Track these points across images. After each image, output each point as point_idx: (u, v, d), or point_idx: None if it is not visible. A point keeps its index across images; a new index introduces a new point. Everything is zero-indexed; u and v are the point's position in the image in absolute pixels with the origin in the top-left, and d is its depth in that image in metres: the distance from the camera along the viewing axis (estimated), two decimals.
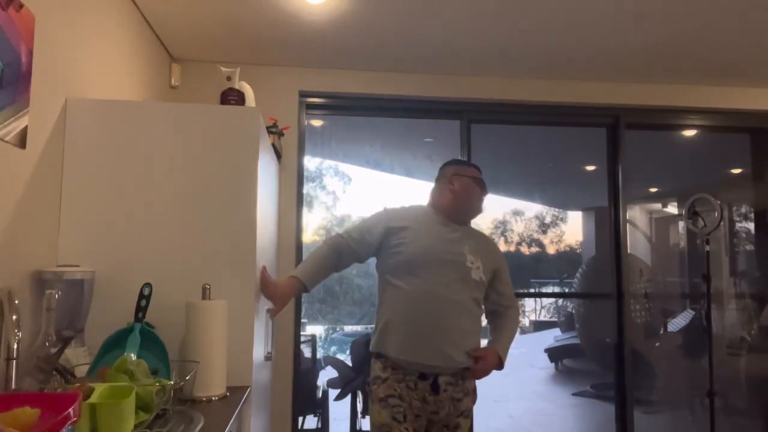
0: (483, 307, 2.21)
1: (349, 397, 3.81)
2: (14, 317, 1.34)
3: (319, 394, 3.83)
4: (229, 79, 2.06)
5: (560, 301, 6.42)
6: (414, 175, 5.54)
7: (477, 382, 2.18)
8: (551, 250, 5.74)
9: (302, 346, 3.32)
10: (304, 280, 2.06)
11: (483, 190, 2.25)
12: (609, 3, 2.47)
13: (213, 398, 1.65)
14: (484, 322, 2.25)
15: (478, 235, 2.27)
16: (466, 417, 2.10)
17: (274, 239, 2.72)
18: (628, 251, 3.50)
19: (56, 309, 1.49)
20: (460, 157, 3.44)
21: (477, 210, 2.24)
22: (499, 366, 2.15)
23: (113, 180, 1.83)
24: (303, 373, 3.38)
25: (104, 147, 1.84)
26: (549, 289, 5.94)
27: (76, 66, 1.91)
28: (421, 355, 2.01)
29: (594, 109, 3.51)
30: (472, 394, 2.15)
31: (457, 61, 3.16)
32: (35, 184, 1.65)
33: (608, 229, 3.57)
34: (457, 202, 2.18)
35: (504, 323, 2.25)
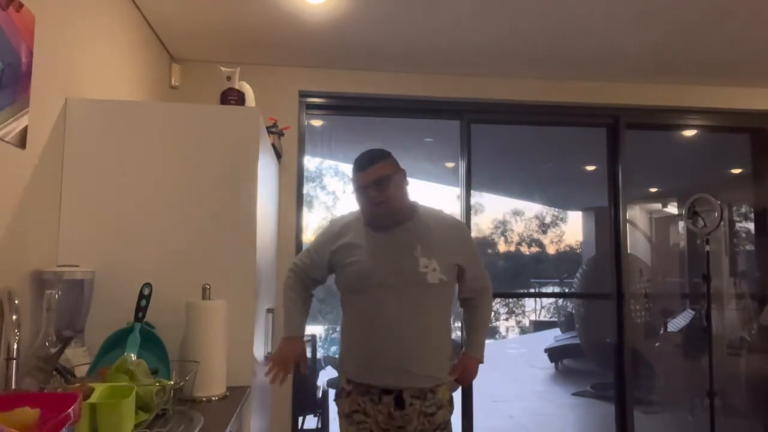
0: (451, 303, 1.99)
1: None
2: (14, 317, 1.34)
3: (319, 394, 3.83)
4: (229, 79, 2.06)
5: (560, 301, 6.42)
6: (414, 175, 5.54)
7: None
8: (551, 250, 5.74)
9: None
10: (301, 335, 2.00)
11: (361, 194, 1.89)
12: (609, 3, 2.47)
13: (213, 398, 1.65)
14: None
15: (431, 223, 1.95)
16: (443, 430, 1.93)
17: (274, 239, 2.72)
18: (628, 251, 3.50)
19: (56, 309, 1.49)
20: (460, 159, 3.44)
21: (376, 216, 1.91)
22: (479, 364, 2.06)
23: (113, 180, 1.83)
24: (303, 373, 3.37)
25: (104, 147, 1.84)
26: (549, 289, 5.94)
27: (76, 66, 1.91)
28: (380, 378, 1.87)
29: (594, 109, 3.51)
30: (448, 406, 1.96)
31: (457, 61, 3.16)
32: (35, 184, 1.65)
33: (608, 229, 3.57)
34: (363, 213, 1.96)
35: (475, 315, 2.08)
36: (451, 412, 1.98)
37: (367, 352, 1.88)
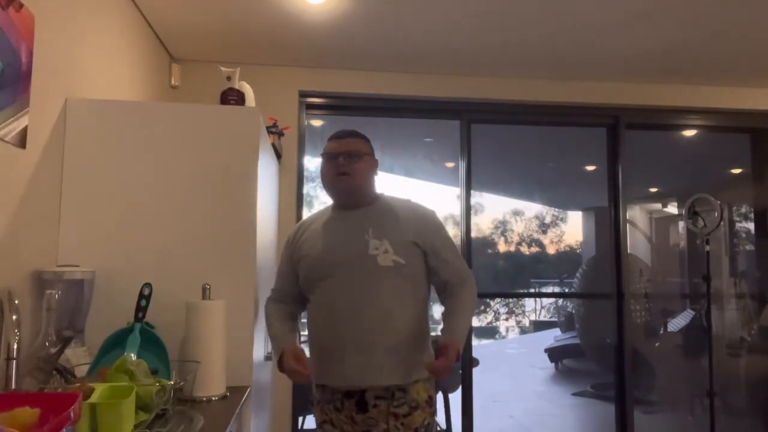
0: (422, 292, 1.82)
1: None
2: (14, 317, 1.34)
3: None
4: (229, 79, 2.06)
5: (560, 301, 6.42)
6: (414, 175, 5.55)
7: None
8: (551, 250, 5.75)
9: (302, 346, 3.32)
10: (294, 344, 1.84)
11: (330, 160, 1.82)
12: (609, 3, 2.47)
13: (213, 398, 1.65)
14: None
15: (392, 208, 1.85)
16: None
17: (274, 239, 2.72)
18: (628, 251, 3.50)
19: (56, 309, 1.49)
20: (460, 159, 3.44)
21: (336, 189, 1.83)
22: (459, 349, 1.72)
23: (113, 180, 1.83)
24: None
25: (104, 147, 1.84)
26: (549, 289, 5.95)
27: (76, 66, 1.91)
28: (338, 376, 1.73)
29: (594, 109, 3.51)
30: (426, 407, 1.75)
31: (457, 61, 3.16)
32: (35, 184, 1.65)
33: (608, 229, 3.57)
34: (326, 191, 1.88)
35: (451, 303, 1.81)
36: (432, 413, 1.78)
37: (323, 348, 1.77)
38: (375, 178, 1.90)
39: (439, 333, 1.78)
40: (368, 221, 1.80)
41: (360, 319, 1.71)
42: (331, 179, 1.83)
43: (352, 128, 1.92)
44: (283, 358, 1.77)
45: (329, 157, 1.84)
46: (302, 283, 1.85)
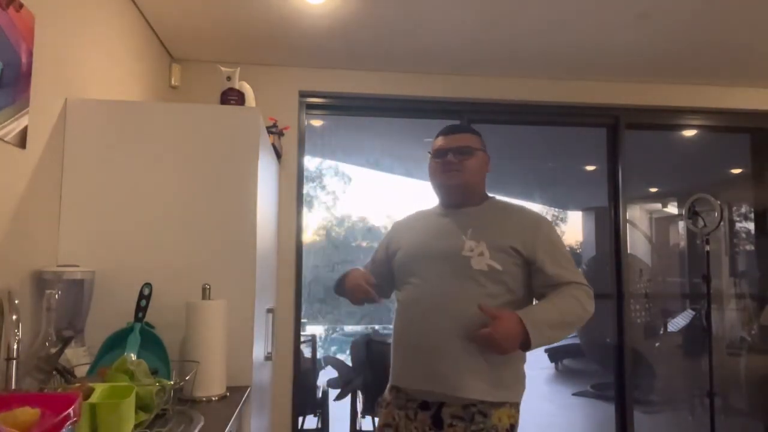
0: (518, 303, 1.64)
1: (349, 397, 3.81)
2: (14, 317, 1.34)
3: (319, 394, 3.83)
4: (229, 79, 2.06)
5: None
6: (414, 175, 5.54)
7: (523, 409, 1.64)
8: None
9: (302, 346, 3.32)
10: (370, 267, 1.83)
11: (439, 157, 1.73)
12: (609, 3, 2.47)
13: (213, 398, 1.65)
14: None
15: (500, 210, 1.75)
16: None
17: (274, 239, 2.72)
18: (628, 251, 3.50)
19: (56, 309, 1.49)
20: None
21: (445, 186, 1.75)
22: (523, 343, 1.50)
23: (113, 180, 1.83)
24: (303, 373, 3.38)
25: (104, 147, 1.83)
26: None
27: (76, 66, 1.91)
28: (417, 381, 1.63)
29: (594, 109, 3.50)
30: None
31: (457, 61, 3.16)
32: (35, 184, 1.65)
33: (608, 229, 3.57)
34: (433, 189, 1.82)
35: (555, 295, 1.60)
36: None
37: (405, 348, 1.67)
38: (485, 175, 1.80)
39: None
40: (470, 221, 1.69)
41: (446, 323, 1.59)
42: (440, 176, 1.74)
43: (461, 123, 1.83)
44: (349, 275, 1.74)
45: (438, 154, 1.75)
46: (395, 278, 1.78)
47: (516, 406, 1.63)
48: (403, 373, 1.68)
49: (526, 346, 1.51)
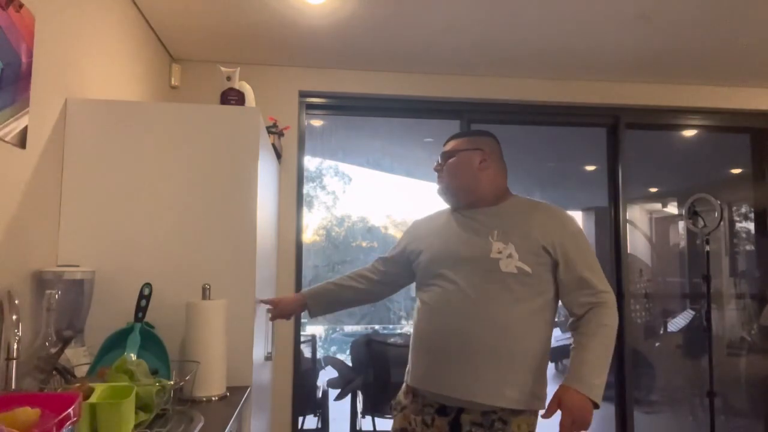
0: (547, 308, 1.62)
1: (349, 397, 3.82)
2: (14, 317, 1.34)
3: (319, 394, 3.84)
4: (229, 79, 2.06)
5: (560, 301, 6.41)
6: (414, 175, 5.55)
7: None
8: None
9: (302, 346, 3.33)
10: (305, 294, 1.97)
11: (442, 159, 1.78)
12: (609, 3, 2.47)
13: (213, 398, 1.65)
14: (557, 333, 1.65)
15: (522, 209, 1.71)
16: None
17: (274, 239, 2.72)
18: (628, 251, 3.50)
19: (56, 309, 1.48)
20: None
21: (440, 192, 1.79)
22: (591, 405, 1.45)
23: (113, 180, 1.83)
24: (303, 373, 3.38)
25: (104, 147, 1.83)
26: None
27: (76, 66, 1.91)
28: (437, 384, 1.59)
29: (594, 109, 3.50)
30: None
31: (457, 61, 3.16)
32: (35, 184, 1.65)
33: (608, 229, 3.57)
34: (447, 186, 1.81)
35: (582, 337, 1.54)
36: None
37: (427, 350, 1.63)
38: (484, 173, 1.73)
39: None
40: (493, 222, 1.65)
41: (472, 326, 1.55)
42: (437, 181, 1.81)
43: (463, 130, 1.90)
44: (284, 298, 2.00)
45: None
46: (417, 280, 1.78)
47: (535, 413, 1.60)
48: (425, 376, 1.63)
49: (597, 404, 1.47)
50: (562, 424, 1.44)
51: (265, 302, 2.02)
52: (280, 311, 1.99)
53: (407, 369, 1.74)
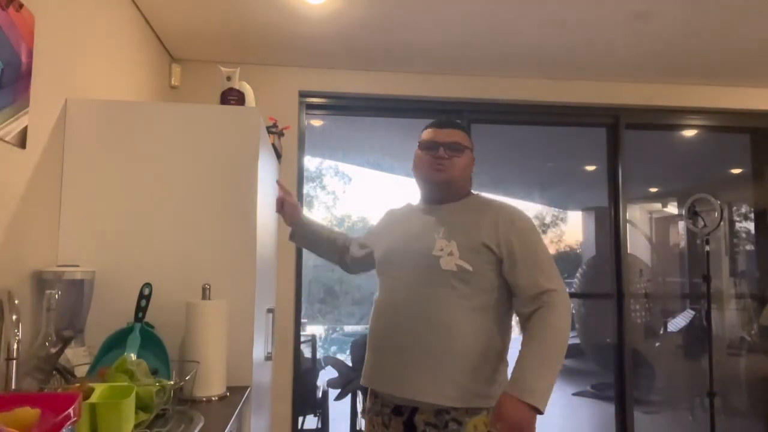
0: (493, 305, 1.58)
1: (349, 397, 3.81)
2: (14, 317, 1.34)
3: (319, 394, 3.83)
4: (229, 79, 2.06)
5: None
6: (413, 175, 5.55)
7: None
8: (551, 249, 5.73)
9: (302, 346, 3.33)
10: (303, 216, 1.99)
11: (429, 150, 1.67)
12: (609, 3, 2.47)
13: (213, 398, 1.65)
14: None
15: (476, 207, 1.66)
16: None
17: (274, 239, 2.72)
18: (628, 251, 3.50)
19: (56, 309, 1.48)
20: None
21: (430, 180, 1.68)
22: (530, 411, 1.39)
23: (113, 180, 1.83)
24: (303, 373, 3.38)
25: (104, 147, 1.84)
26: None
27: (76, 66, 1.91)
28: (385, 384, 1.58)
29: (594, 109, 3.50)
30: None
31: (457, 61, 3.16)
32: (35, 184, 1.65)
33: (608, 229, 3.57)
34: (416, 181, 1.77)
35: (527, 340, 1.49)
36: None
37: (377, 349, 1.64)
38: (470, 174, 1.75)
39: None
40: (444, 219, 1.63)
41: (412, 324, 1.54)
42: (426, 170, 1.67)
43: (450, 117, 1.81)
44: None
45: (428, 146, 1.68)
46: (376, 274, 1.77)
47: (484, 416, 1.53)
48: (373, 375, 1.64)
49: (539, 409, 1.40)
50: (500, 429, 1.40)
51: (282, 187, 2.03)
52: (288, 206, 1.99)
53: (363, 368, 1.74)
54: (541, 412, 1.40)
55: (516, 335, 1.63)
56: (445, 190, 1.68)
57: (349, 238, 1.96)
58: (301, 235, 1.98)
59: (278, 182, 2.05)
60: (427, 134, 1.73)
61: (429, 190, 1.72)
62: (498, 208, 1.64)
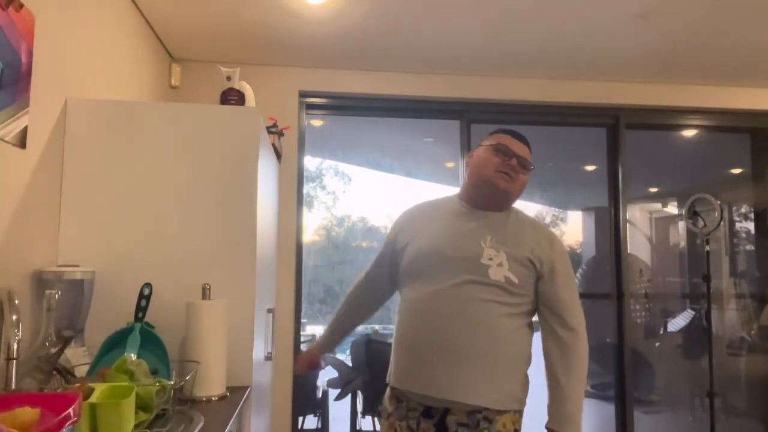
0: (528, 317, 1.65)
1: (349, 397, 3.81)
2: (14, 317, 1.34)
3: (319, 394, 3.83)
4: (229, 79, 2.06)
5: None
6: (414, 175, 5.55)
7: None
8: None
9: (302, 346, 3.32)
10: (319, 349, 1.96)
11: (504, 155, 1.66)
12: (609, 3, 2.47)
13: (213, 398, 1.65)
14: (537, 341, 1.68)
15: (517, 220, 1.70)
16: None
17: (274, 239, 2.72)
18: (628, 251, 3.50)
19: (56, 309, 1.48)
20: (460, 159, 3.43)
21: (492, 185, 1.66)
22: None
23: (113, 180, 1.83)
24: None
25: (104, 147, 1.83)
26: None
27: (76, 66, 1.91)
28: (422, 384, 1.58)
29: (594, 109, 3.50)
30: None
31: (457, 61, 3.16)
32: (35, 184, 1.65)
33: (608, 229, 3.57)
34: (470, 181, 1.73)
35: (560, 371, 1.58)
36: None
37: (411, 350, 1.62)
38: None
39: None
40: (489, 227, 1.65)
41: (458, 327, 1.55)
42: (494, 175, 1.65)
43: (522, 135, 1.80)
44: (303, 354, 1.93)
45: (503, 152, 1.67)
46: (401, 275, 1.72)
47: (520, 412, 1.63)
48: (408, 377, 1.61)
49: None
50: None
51: (303, 364, 1.98)
52: (313, 365, 1.98)
53: (389, 371, 1.72)
54: None
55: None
56: (500, 199, 1.70)
57: (364, 288, 1.91)
58: (330, 343, 1.99)
59: (299, 358, 2.00)
60: (504, 140, 1.72)
61: (485, 196, 1.70)
62: (538, 227, 1.72)
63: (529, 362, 1.65)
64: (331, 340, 1.97)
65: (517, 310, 1.60)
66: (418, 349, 1.60)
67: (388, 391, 1.73)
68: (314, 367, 1.96)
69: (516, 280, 1.59)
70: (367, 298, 1.92)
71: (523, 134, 1.77)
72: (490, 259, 1.59)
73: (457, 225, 1.68)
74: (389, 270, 1.83)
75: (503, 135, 1.74)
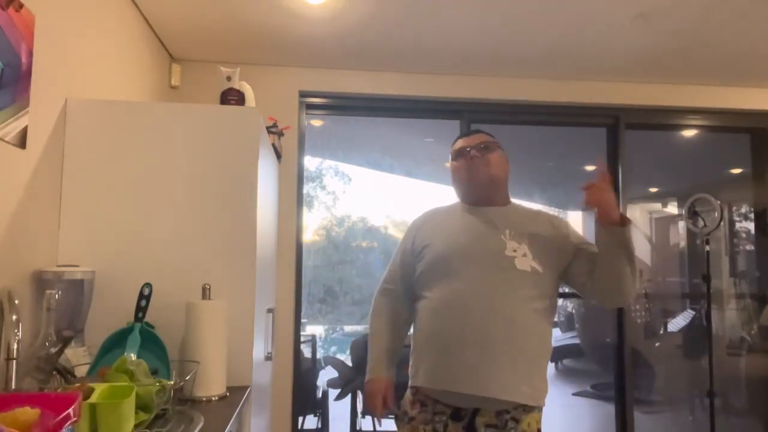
0: (552, 307, 1.68)
1: (349, 397, 3.82)
2: (14, 317, 1.34)
3: (319, 394, 3.84)
4: (229, 79, 2.06)
5: (560, 300, 6.42)
6: (414, 175, 5.55)
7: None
8: None
9: (302, 346, 3.33)
10: (383, 373, 1.76)
11: (462, 156, 1.75)
12: (609, 3, 2.47)
13: (213, 398, 1.65)
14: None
15: (525, 211, 1.78)
16: None
17: (274, 239, 2.72)
18: None
19: (56, 309, 1.48)
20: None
21: (474, 183, 1.73)
22: (620, 218, 1.58)
23: (113, 180, 1.83)
24: (303, 373, 3.38)
25: (104, 147, 1.84)
26: None
27: (76, 66, 1.91)
28: (455, 381, 1.54)
29: (594, 109, 3.50)
30: None
31: (457, 61, 3.16)
32: (35, 184, 1.65)
33: None
34: (459, 191, 1.81)
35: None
36: None
37: (442, 349, 1.58)
38: (508, 175, 1.82)
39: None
40: (505, 221, 1.69)
41: (487, 322, 1.54)
42: (466, 174, 1.73)
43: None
44: (369, 394, 1.73)
45: (460, 154, 1.76)
46: (420, 276, 1.71)
47: (540, 410, 1.64)
48: (438, 375, 1.58)
49: (620, 222, 1.57)
50: (589, 186, 1.64)
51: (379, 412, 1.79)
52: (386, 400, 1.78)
53: (411, 373, 1.68)
54: (625, 222, 1.58)
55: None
56: (489, 188, 1.74)
57: (390, 305, 1.82)
58: (392, 366, 1.82)
59: (371, 397, 1.80)
60: (456, 144, 1.81)
61: (474, 190, 1.76)
62: (539, 213, 1.80)
63: (550, 356, 1.68)
64: (386, 359, 1.80)
65: (542, 304, 1.62)
66: (451, 346, 1.57)
67: (408, 394, 1.70)
68: (390, 404, 1.77)
69: (541, 270, 1.62)
70: (402, 313, 1.82)
71: (488, 130, 1.88)
72: (514, 250, 1.62)
73: (473, 222, 1.71)
74: (412, 272, 1.77)
75: (455, 143, 1.84)
